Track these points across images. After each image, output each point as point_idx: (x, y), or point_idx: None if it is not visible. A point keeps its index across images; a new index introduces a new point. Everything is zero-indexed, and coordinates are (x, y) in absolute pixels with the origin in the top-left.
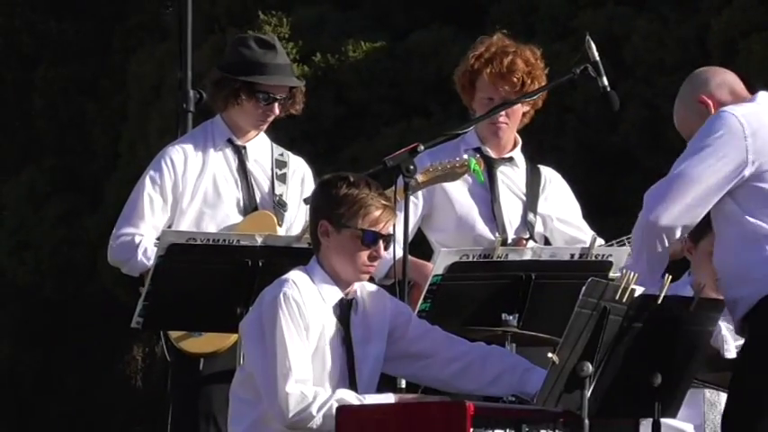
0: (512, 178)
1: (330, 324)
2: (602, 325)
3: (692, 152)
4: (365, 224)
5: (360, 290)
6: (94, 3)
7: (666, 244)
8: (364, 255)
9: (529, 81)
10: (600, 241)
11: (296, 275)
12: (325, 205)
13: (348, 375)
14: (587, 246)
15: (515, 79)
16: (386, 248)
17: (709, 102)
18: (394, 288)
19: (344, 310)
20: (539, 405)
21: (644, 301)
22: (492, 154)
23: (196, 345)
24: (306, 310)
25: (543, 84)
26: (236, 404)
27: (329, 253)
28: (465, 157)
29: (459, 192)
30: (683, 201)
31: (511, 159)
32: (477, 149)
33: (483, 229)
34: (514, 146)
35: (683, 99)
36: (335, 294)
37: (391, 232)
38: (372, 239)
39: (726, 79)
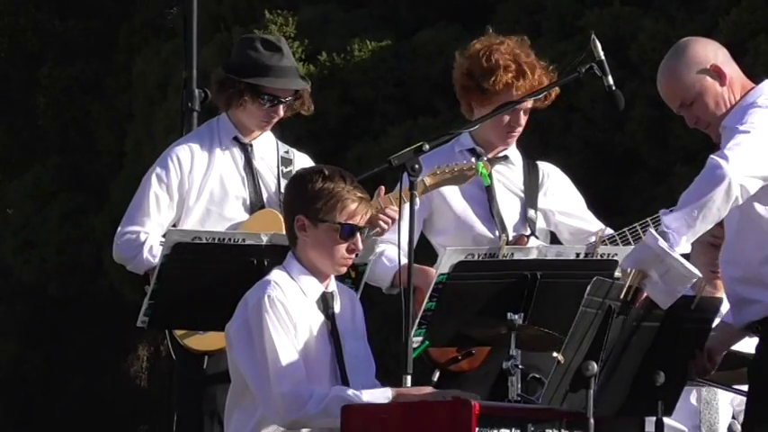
0: (507, 176)
1: (316, 319)
2: (608, 324)
3: (747, 119)
4: (342, 217)
5: (333, 282)
6: (99, 2)
7: (741, 196)
8: (342, 248)
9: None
10: (607, 231)
11: (276, 275)
12: (301, 200)
13: (338, 369)
14: (594, 233)
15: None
16: (362, 240)
17: (725, 72)
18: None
19: (327, 303)
20: (544, 404)
21: (650, 301)
22: (486, 153)
23: (201, 342)
24: (291, 309)
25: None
26: (235, 417)
27: (306, 247)
28: (473, 160)
29: (455, 193)
30: (758, 154)
31: (506, 157)
32: (472, 150)
33: (481, 228)
34: None
35: (688, 64)
36: (317, 288)
37: (366, 225)
38: (350, 233)
39: (729, 55)
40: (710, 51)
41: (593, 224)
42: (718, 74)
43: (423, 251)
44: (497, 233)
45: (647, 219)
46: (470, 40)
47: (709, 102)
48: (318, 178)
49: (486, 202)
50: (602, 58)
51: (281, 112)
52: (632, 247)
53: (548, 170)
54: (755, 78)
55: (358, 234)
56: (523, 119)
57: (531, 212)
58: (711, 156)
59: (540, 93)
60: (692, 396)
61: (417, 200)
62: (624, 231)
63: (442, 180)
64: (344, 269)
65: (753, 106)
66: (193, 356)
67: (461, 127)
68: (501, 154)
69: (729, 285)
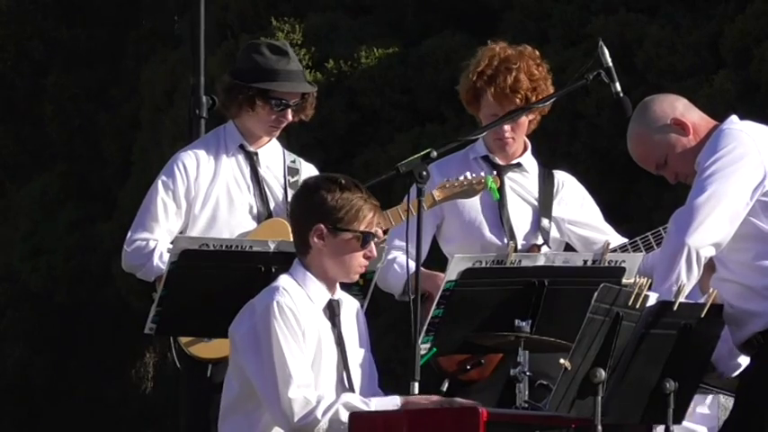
0: (521, 184)
1: (324, 327)
2: (615, 331)
3: (712, 171)
4: (362, 226)
5: (339, 290)
6: (106, 10)
7: (701, 265)
8: (360, 256)
9: (533, 96)
10: (620, 240)
11: (284, 282)
12: (319, 209)
13: (345, 376)
14: (602, 248)
15: (518, 99)
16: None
17: (686, 122)
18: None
19: (334, 310)
20: (551, 411)
21: (658, 308)
22: (500, 161)
23: (206, 350)
24: (299, 315)
25: (549, 92)
26: (236, 422)
27: (321, 256)
28: (482, 174)
29: (467, 200)
30: (715, 219)
31: (519, 165)
32: (485, 158)
33: (491, 236)
34: (524, 151)
35: (650, 126)
36: (324, 296)
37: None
38: (368, 241)
39: (688, 103)
40: (667, 106)
41: (607, 234)
42: (680, 126)
43: (435, 254)
44: (506, 241)
45: (660, 228)
46: (477, 47)
47: (680, 154)
48: (336, 188)
49: (497, 210)
50: (610, 65)
51: (290, 117)
52: (641, 255)
53: (563, 179)
54: (760, 86)
55: (372, 241)
56: (508, 127)
57: (545, 222)
58: (672, 221)
59: (536, 105)
60: (707, 400)
61: (425, 208)
62: (636, 240)
63: (451, 194)
64: (357, 277)
65: (729, 139)
66: (198, 364)
67: (469, 134)
68: (514, 161)
69: (727, 303)
